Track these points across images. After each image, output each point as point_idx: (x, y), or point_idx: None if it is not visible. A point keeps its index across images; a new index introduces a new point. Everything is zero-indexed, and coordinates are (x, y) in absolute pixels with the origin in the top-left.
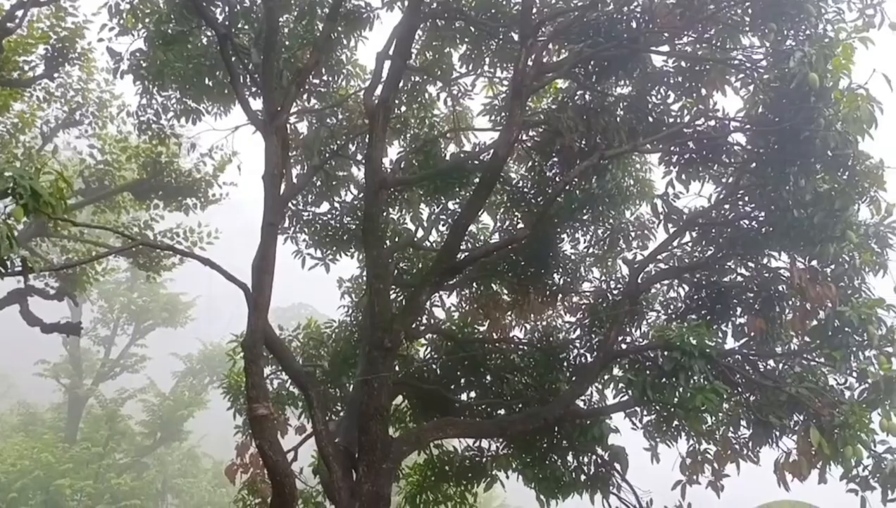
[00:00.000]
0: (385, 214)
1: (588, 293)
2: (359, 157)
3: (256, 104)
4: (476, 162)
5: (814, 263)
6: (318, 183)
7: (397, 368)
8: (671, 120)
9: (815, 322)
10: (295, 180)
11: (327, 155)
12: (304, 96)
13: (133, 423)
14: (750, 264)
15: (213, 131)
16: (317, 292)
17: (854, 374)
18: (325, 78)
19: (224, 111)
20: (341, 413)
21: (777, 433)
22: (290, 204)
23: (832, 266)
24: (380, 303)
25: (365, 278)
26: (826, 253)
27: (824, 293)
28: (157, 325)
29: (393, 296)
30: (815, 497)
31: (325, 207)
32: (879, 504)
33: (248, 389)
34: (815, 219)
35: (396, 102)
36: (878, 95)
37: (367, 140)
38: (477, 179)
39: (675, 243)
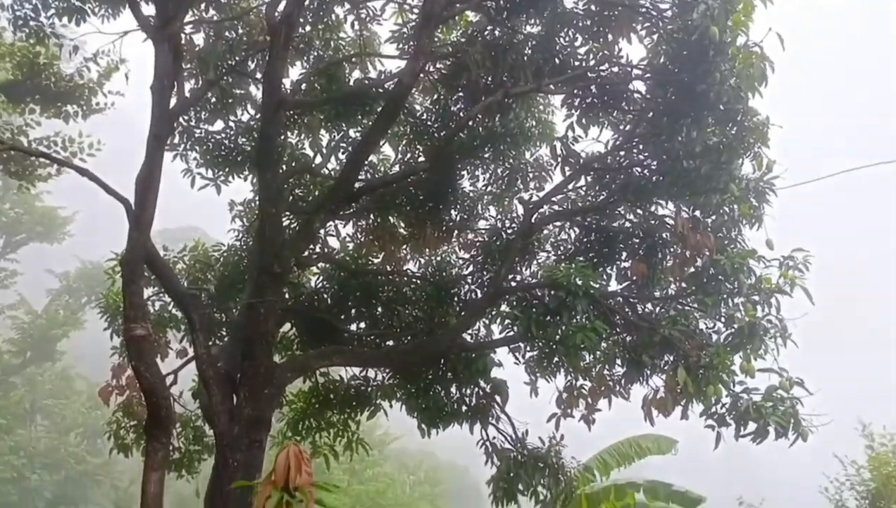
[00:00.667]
0: (282, 137)
1: (483, 231)
2: (258, 75)
3: (149, 9)
4: (380, 90)
5: (697, 213)
6: (213, 99)
7: (287, 295)
8: (577, 63)
9: (692, 269)
10: (188, 95)
11: (224, 70)
12: (202, 6)
13: (0, 341)
14: (639, 210)
15: (99, 35)
16: (207, 214)
17: (723, 319)
18: None
19: (112, 13)
20: (226, 339)
21: (648, 372)
22: (181, 120)
23: (713, 217)
24: (271, 228)
25: (257, 203)
26: (709, 204)
27: (703, 242)
28: (31, 239)
29: (286, 222)
30: (676, 432)
31: (219, 125)
32: (732, 438)
33: (126, 309)
34: (703, 170)
35: (301, 20)
36: (771, 54)
37: (267, 58)
38: (380, 108)
39: (570, 186)
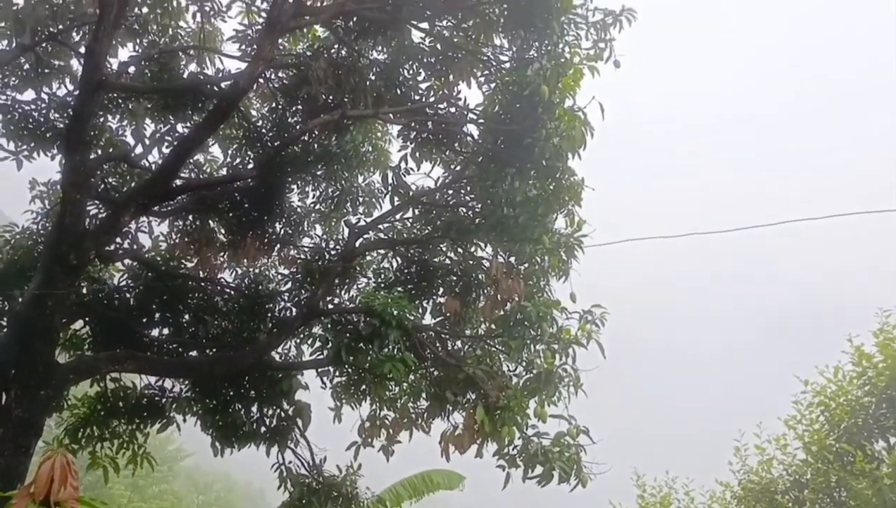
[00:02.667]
0: (101, 119)
1: (306, 249)
2: (81, 49)
3: None
4: (216, 88)
5: (512, 259)
6: (27, 67)
7: (84, 290)
8: (416, 97)
9: (501, 312)
10: None
11: (44, 37)
12: None
13: None
14: (459, 249)
15: None
16: (2, 190)
17: (524, 363)
18: None
19: None
20: (3, 329)
21: (450, 408)
22: None
23: (526, 265)
24: (72, 214)
25: (61, 185)
26: (523, 252)
27: (514, 288)
28: None
29: (93, 211)
30: (468, 470)
31: (30, 95)
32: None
33: None
34: (521, 219)
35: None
36: (592, 119)
37: (93, 31)
38: (212, 106)
39: (397, 216)
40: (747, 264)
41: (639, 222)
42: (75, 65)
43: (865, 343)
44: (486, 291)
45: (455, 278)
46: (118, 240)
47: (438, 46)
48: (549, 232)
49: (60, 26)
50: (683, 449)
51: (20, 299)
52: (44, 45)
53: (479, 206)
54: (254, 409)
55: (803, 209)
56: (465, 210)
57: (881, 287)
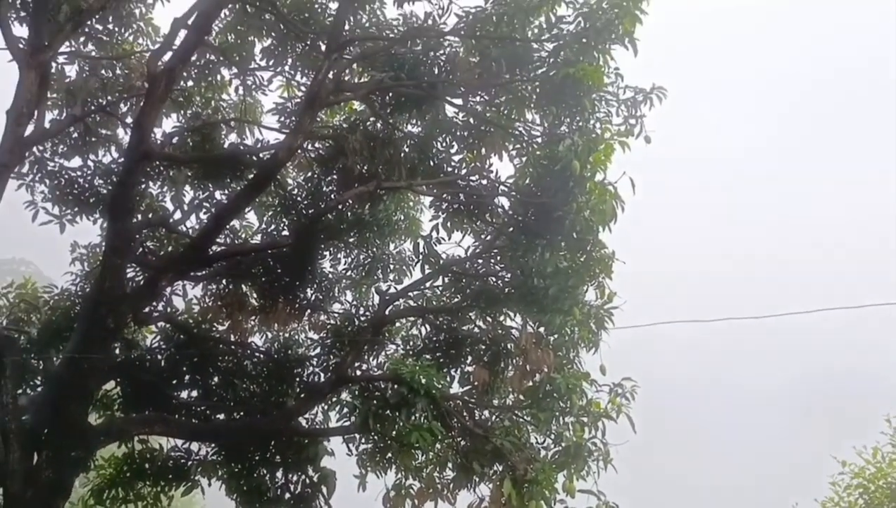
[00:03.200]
0: (143, 186)
1: (336, 314)
2: (128, 120)
3: (21, 30)
4: (255, 158)
5: (541, 329)
6: (76, 135)
7: (117, 351)
8: (449, 169)
9: (530, 383)
10: (47, 125)
11: (93, 108)
12: (82, 40)
13: None
14: (489, 318)
15: None
16: (43, 250)
17: (552, 436)
18: (110, 26)
19: None
20: (38, 389)
21: (477, 480)
22: (35, 149)
23: (555, 336)
24: (112, 279)
25: (103, 249)
26: (553, 323)
27: (544, 358)
28: None
29: (132, 274)
30: None
31: (76, 162)
32: None
33: None
34: (551, 291)
35: (184, 74)
36: (623, 194)
37: (141, 104)
38: (251, 175)
39: (427, 285)
40: (780, 341)
41: (674, 295)
42: (121, 134)
43: None
44: (514, 361)
45: (484, 347)
46: (153, 303)
47: (471, 121)
48: (580, 303)
49: (109, 98)
50: None
51: (56, 361)
52: (93, 115)
53: (509, 276)
54: (279, 474)
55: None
56: (494, 280)
57: None
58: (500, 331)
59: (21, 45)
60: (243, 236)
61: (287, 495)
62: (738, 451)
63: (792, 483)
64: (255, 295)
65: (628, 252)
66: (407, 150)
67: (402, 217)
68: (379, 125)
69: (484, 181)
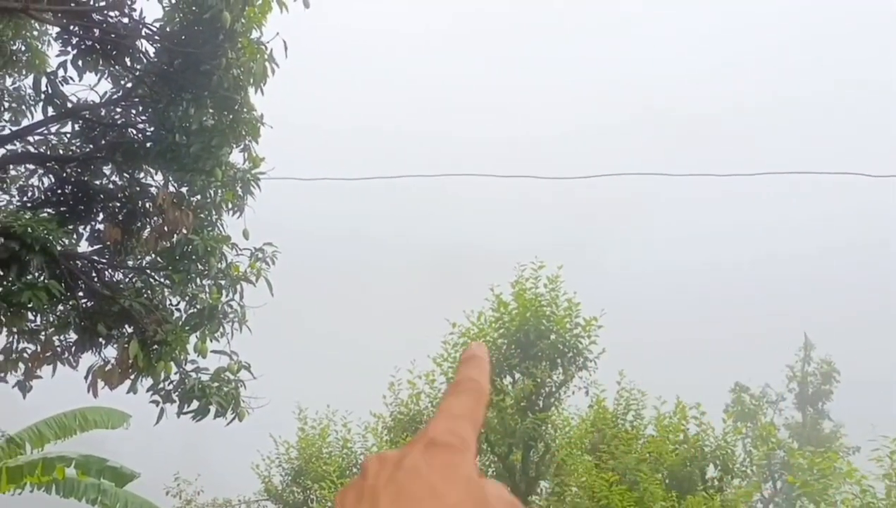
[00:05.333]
0: None
1: None
2: None
3: None
4: None
5: (183, 190)
6: None
7: None
8: None
9: (167, 244)
10: None
11: None
12: None
13: None
14: (125, 173)
15: None
16: None
17: (187, 298)
18: None
19: None
20: None
21: (102, 342)
22: None
23: (198, 197)
24: None
25: None
26: (195, 183)
27: (182, 220)
28: None
29: None
30: (120, 401)
31: None
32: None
33: None
34: (193, 148)
35: None
36: (279, 57)
37: None
38: None
39: (52, 129)
40: (408, 204)
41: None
42: None
43: (504, 293)
44: (152, 220)
45: (118, 204)
46: None
47: None
48: (222, 165)
49: None
50: (343, 382)
51: None
52: None
53: (151, 129)
54: None
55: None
56: (134, 132)
57: (522, 241)
58: (137, 188)
59: None
60: None
61: None
62: (371, 304)
63: (413, 341)
64: None
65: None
66: None
67: (23, 47)
68: None
69: (125, 20)
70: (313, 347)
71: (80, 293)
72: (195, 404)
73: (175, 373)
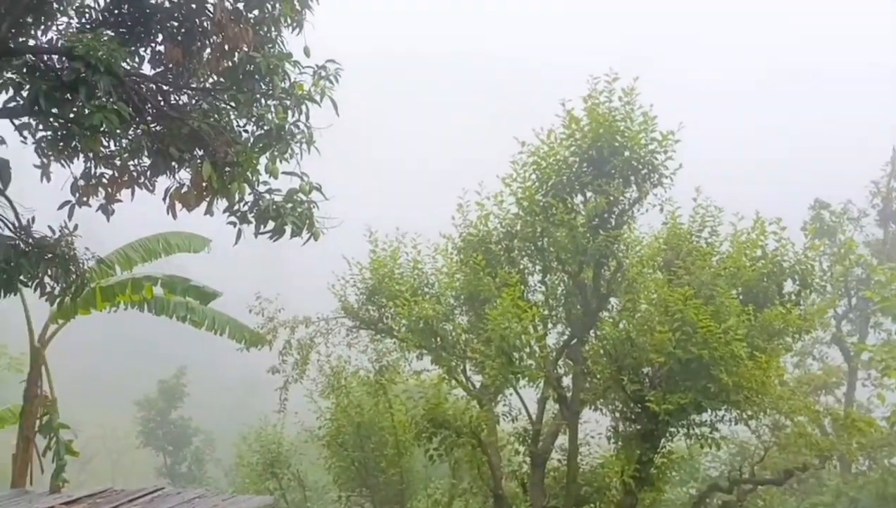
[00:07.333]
0: None
1: None
2: None
3: None
4: None
5: (240, 5)
6: None
7: None
8: None
9: (229, 64)
10: None
11: None
12: None
13: None
14: None
15: None
16: None
17: (253, 119)
18: None
19: None
20: None
21: (175, 165)
22: None
23: (256, 12)
24: None
25: None
26: None
27: (242, 36)
28: None
29: None
30: (201, 227)
31: None
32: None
33: None
34: None
35: None
36: None
37: None
38: None
39: None
40: (467, 40)
41: None
42: None
43: (576, 108)
44: (211, 39)
45: (176, 24)
46: None
47: None
48: None
49: None
50: (413, 208)
51: None
52: None
53: None
54: None
55: None
56: None
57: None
58: (192, 5)
59: None
60: None
61: None
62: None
63: (485, 162)
64: None
65: None
66: None
67: None
68: None
69: None
70: (381, 170)
71: (149, 117)
72: (271, 224)
73: (249, 194)
